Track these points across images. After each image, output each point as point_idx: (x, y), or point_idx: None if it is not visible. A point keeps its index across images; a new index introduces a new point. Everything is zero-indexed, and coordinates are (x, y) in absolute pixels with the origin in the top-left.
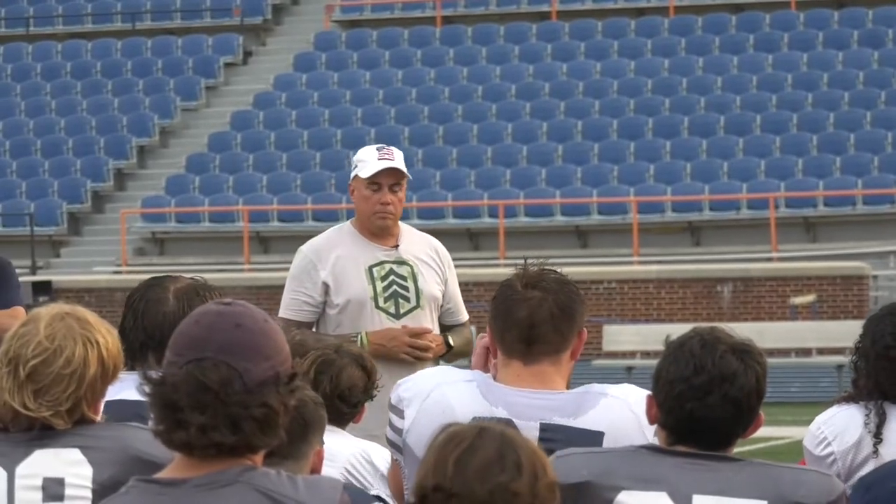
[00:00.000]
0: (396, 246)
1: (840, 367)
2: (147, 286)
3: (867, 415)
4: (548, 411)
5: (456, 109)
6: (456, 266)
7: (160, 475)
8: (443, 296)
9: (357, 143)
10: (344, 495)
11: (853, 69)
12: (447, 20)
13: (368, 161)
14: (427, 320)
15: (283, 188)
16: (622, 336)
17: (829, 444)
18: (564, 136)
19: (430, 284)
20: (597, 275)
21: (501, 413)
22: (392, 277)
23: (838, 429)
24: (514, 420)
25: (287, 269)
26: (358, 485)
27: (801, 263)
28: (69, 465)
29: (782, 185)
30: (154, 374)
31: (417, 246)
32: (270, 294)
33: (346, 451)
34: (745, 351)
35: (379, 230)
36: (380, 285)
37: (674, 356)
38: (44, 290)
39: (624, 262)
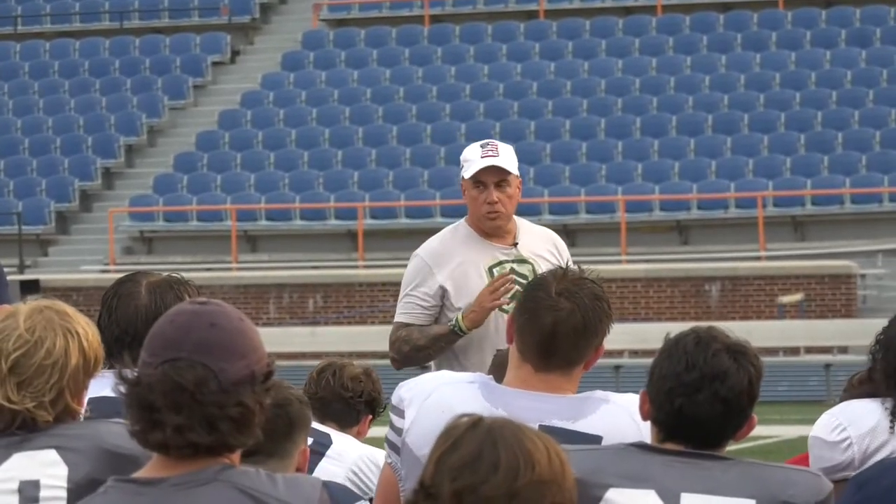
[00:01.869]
0: (515, 244)
1: (828, 365)
2: (120, 282)
3: (884, 402)
4: (547, 414)
5: (444, 108)
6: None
7: (138, 475)
8: None
9: (345, 142)
10: (324, 493)
11: (841, 68)
12: (435, 19)
13: (472, 160)
14: None
15: (271, 187)
16: (610, 335)
17: (844, 429)
18: (552, 136)
19: None
20: None
21: (502, 413)
22: (513, 277)
23: (855, 415)
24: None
25: (275, 269)
26: (363, 486)
27: (789, 262)
28: (45, 466)
29: (770, 184)
30: (130, 373)
31: (536, 241)
32: (258, 293)
33: (353, 453)
34: (739, 351)
35: (491, 231)
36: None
37: (668, 352)
38: (32, 289)
39: (612, 261)
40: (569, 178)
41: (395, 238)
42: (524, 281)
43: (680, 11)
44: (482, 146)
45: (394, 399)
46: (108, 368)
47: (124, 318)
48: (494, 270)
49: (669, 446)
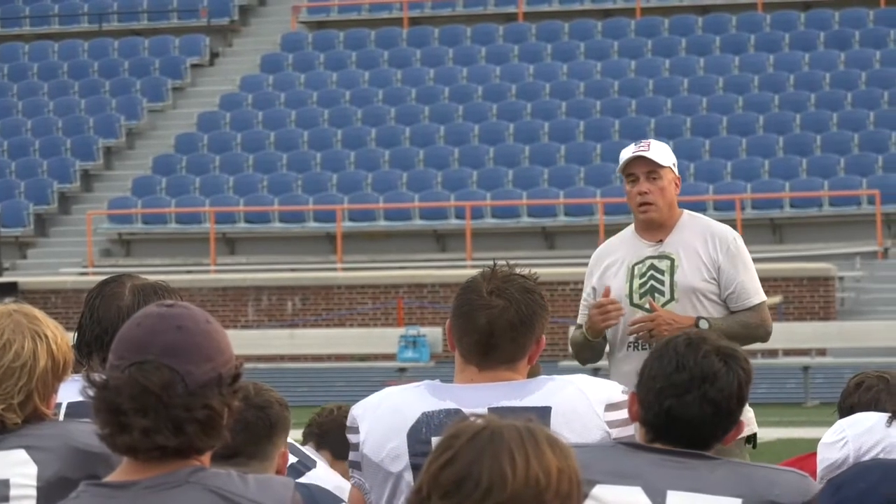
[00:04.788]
0: (661, 241)
1: (806, 368)
2: (105, 282)
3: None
4: (495, 398)
5: (423, 111)
6: (421, 267)
7: (110, 478)
8: (719, 284)
9: (323, 145)
10: (296, 494)
11: (819, 71)
12: (414, 21)
13: (624, 155)
14: (686, 313)
15: (250, 189)
16: None
17: (843, 430)
18: (531, 138)
19: (690, 276)
20: (563, 276)
21: (450, 405)
22: (650, 273)
23: (857, 419)
24: (463, 409)
25: (253, 271)
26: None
27: (768, 265)
28: (14, 465)
29: (749, 187)
30: (97, 377)
31: (690, 235)
32: (236, 295)
33: (330, 482)
34: (729, 354)
35: (645, 224)
36: (637, 282)
37: (659, 353)
38: (9, 291)
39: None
40: (547, 181)
41: (373, 240)
42: (660, 276)
43: (659, 14)
44: (636, 144)
45: (348, 422)
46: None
47: (106, 318)
48: (636, 268)
49: (657, 446)
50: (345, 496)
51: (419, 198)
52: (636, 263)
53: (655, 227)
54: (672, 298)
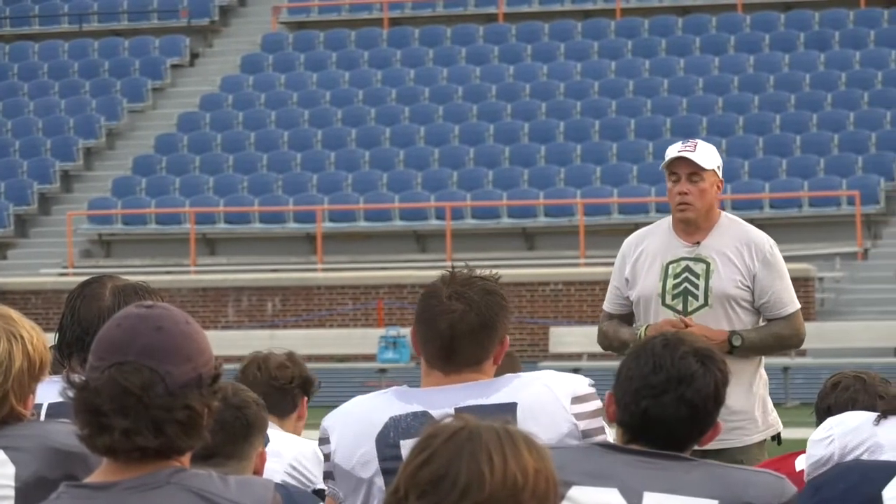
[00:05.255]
0: (698, 242)
1: (786, 368)
2: (86, 283)
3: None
4: (461, 397)
5: (403, 111)
6: (401, 268)
7: (90, 479)
8: (753, 292)
9: (304, 145)
10: (276, 495)
11: (799, 71)
12: (394, 22)
13: (669, 153)
14: (719, 319)
15: (230, 190)
16: (569, 338)
17: (831, 428)
18: (511, 139)
19: (725, 282)
20: (543, 276)
21: (417, 408)
22: (685, 275)
23: (845, 417)
24: (430, 411)
25: (233, 271)
26: (304, 480)
27: None
28: None
29: (728, 188)
30: (77, 378)
31: (727, 241)
32: (217, 296)
33: (290, 451)
34: (707, 356)
35: (682, 223)
36: (671, 282)
37: (636, 354)
38: None
39: (571, 264)
40: (527, 181)
41: (353, 241)
42: (695, 280)
43: (639, 15)
44: (683, 142)
45: (320, 433)
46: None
47: (86, 319)
48: (670, 267)
49: (634, 447)
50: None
51: (399, 198)
52: (671, 262)
53: (693, 228)
54: (706, 303)
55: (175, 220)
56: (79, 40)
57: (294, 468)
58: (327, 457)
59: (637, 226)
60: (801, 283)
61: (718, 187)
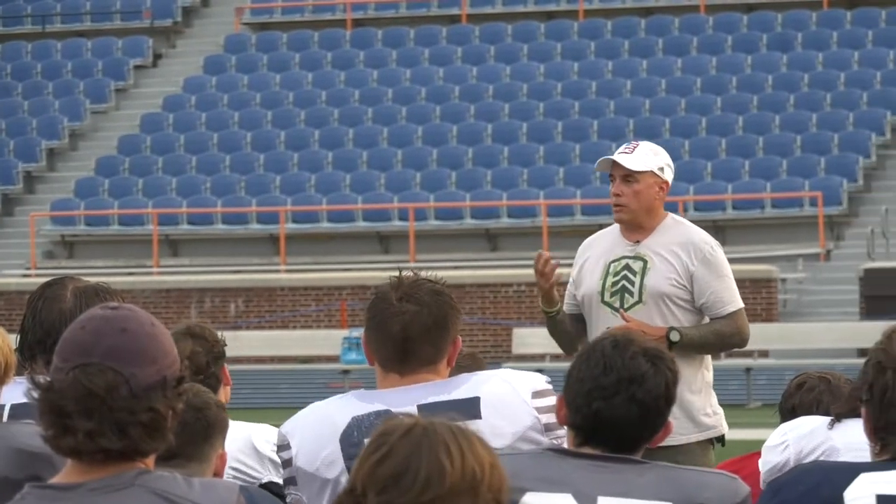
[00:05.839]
0: (639, 241)
1: (749, 369)
2: (47, 285)
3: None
4: (422, 395)
5: (366, 112)
6: (364, 269)
7: (54, 480)
8: (692, 291)
9: (267, 146)
10: (240, 497)
11: (762, 73)
12: (357, 23)
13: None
14: (653, 316)
15: (193, 191)
16: (532, 339)
17: (785, 434)
18: (474, 139)
19: (660, 279)
20: (507, 278)
21: (379, 407)
22: (624, 272)
23: (799, 422)
24: (392, 409)
25: (196, 273)
26: (247, 478)
27: None
28: None
29: (691, 188)
30: (42, 379)
31: (667, 240)
32: (179, 297)
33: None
34: (657, 355)
35: (620, 223)
36: (610, 280)
37: (586, 356)
38: None
39: (534, 265)
40: (491, 182)
41: (317, 242)
42: (632, 277)
43: (601, 16)
44: (627, 144)
45: (278, 441)
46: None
47: (48, 321)
48: (612, 266)
49: (586, 450)
50: (251, 443)
51: (362, 199)
52: (613, 261)
53: (635, 228)
54: (640, 301)
55: (138, 221)
56: (41, 41)
57: (235, 469)
58: (288, 462)
59: (601, 226)
60: (764, 285)
61: (662, 188)
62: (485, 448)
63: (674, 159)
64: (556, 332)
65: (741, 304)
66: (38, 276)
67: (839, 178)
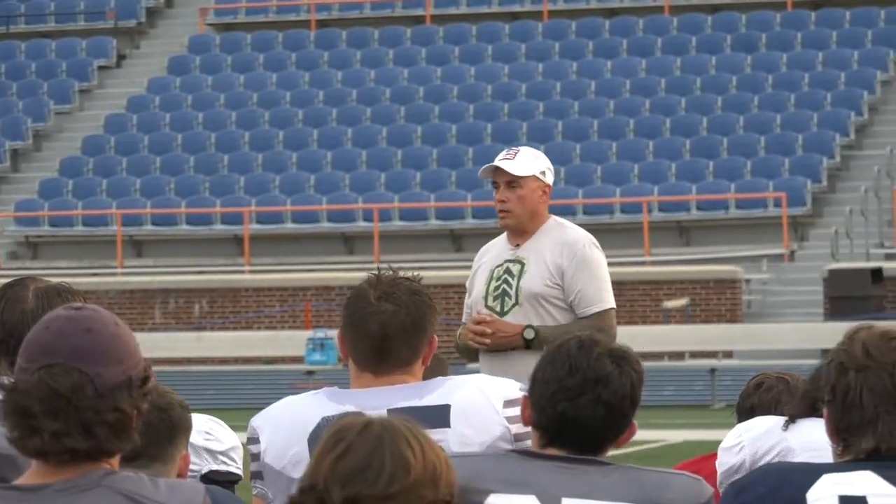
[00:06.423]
0: (519, 245)
1: (713, 370)
2: (8, 286)
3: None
4: (394, 399)
5: (330, 113)
6: (329, 270)
7: (20, 481)
8: (563, 290)
9: (231, 147)
10: (206, 498)
11: (726, 73)
12: (321, 24)
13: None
14: (530, 317)
15: (157, 192)
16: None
17: (740, 435)
18: (439, 140)
19: (535, 280)
20: None
21: (349, 408)
22: (505, 276)
23: (754, 423)
24: (363, 412)
25: (160, 273)
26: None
27: (674, 267)
28: None
29: (655, 189)
30: (6, 380)
31: (546, 241)
32: (143, 298)
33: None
34: (622, 356)
35: (506, 229)
36: (493, 285)
37: (551, 357)
38: None
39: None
40: (455, 183)
41: (281, 243)
42: (511, 280)
43: (566, 17)
44: (506, 150)
45: (248, 433)
46: None
47: (10, 322)
48: (495, 271)
49: (551, 451)
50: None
51: (327, 200)
52: (497, 266)
53: (518, 233)
54: (517, 302)
55: (102, 221)
56: (5, 42)
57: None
58: (256, 456)
59: None
60: (728, 285)
61: (544, 192)
62: (437, 445)
63: (638, 160)
64: (462, 350)
65: (610, 305)
66: (2, 276)
67: (803, 179)
